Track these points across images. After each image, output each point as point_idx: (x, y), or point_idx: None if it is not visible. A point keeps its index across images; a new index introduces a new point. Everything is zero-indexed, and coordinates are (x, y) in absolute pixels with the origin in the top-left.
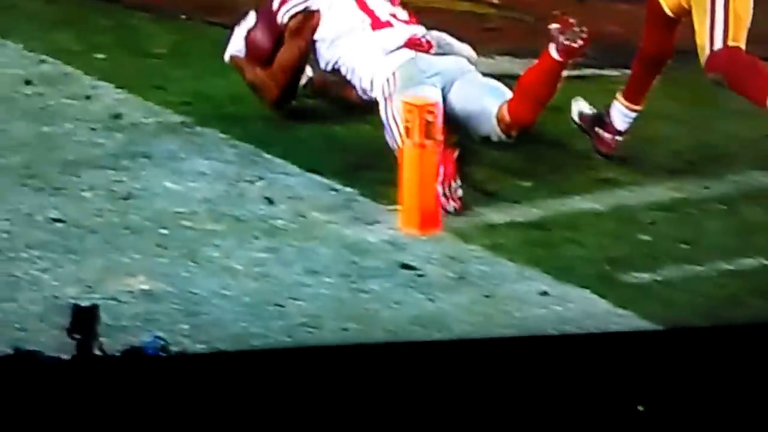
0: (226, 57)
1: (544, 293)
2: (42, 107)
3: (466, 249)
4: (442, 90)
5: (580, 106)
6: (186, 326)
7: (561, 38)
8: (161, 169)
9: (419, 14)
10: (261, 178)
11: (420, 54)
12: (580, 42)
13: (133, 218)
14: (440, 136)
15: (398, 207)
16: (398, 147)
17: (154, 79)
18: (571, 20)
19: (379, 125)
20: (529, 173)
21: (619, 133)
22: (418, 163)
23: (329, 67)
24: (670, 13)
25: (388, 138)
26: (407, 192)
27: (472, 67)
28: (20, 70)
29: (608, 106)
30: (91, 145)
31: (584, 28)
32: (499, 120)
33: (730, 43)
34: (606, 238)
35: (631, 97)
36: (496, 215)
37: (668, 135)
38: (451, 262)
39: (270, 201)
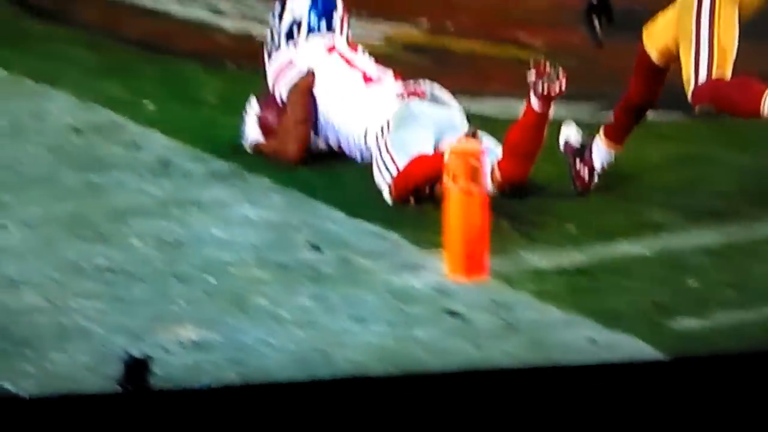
0: (247, 147)
1: (592, 340)
2: (91, 156)
3: (513, 295)
4: (435, 140)
5: (568, 134)
6: (233, 374)
7: (538, 85)
8: (209, 216)
9: (464, 60)
10: (307, 225)
11: (413, 100)
12: (558, 85)
13: (181, 266)
14: (486, 183)
15: (444, 253)
16: (388, 185)
17: (202, 126)
18: (547, 65)
19: None
20: (574, 217)
21: (595, 171)
22: (463, 209)
23: (332, 142)
24: (658, 63)
25: (377, 178)
26: (453, 238)
27: (464, 122)
28: (70, 118)
29: (591, 140)
30: (140, 193)
31: (561, 70)
32: (492, 178)
33: (715, 75)
34: (653, 284)
35: (612, 137)
36: (543, 260)
37: (714, 178)
38: (497, 309)
39: (316, 248)
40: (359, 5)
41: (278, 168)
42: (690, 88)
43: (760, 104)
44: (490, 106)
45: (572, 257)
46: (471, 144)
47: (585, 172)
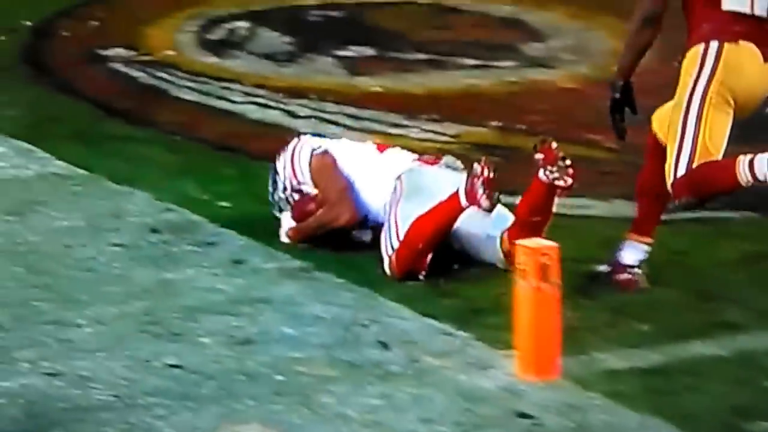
0: (284, 238)
1: None
2: (166, 254)
3: (586, 396)
4: None
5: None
6: None
7: (546, 171)
8: (279, 314)
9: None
10: (376, 322)
11: (427, 167)
12: (568, 180)
13: (249, 364)
14: (557, 280)
15: (514, 352)
16: (389, 257)
17: (275, 225)
18: (555, 148)
19: (492, 269)
20: (647, 317)
21: (633, 268)
22: (534, 306)
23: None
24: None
25: (382, 246)
26: (523, 337)
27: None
28: (148, 218)
29: (621, 244)
30: (212, 291)
31: (569, 162)
32: (503, 249)
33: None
34: (730, 386)
35: (639, 230)
36: (616, 361)
37: None
38: (570, 411)
39: (384, 345)
40: (430, 111)
41: (348, 266)
42: (669, 182)
43: (735, 172)
44: (559, 204)
45: (646, 358)
46: (541, 240)
47: (624, 276)
